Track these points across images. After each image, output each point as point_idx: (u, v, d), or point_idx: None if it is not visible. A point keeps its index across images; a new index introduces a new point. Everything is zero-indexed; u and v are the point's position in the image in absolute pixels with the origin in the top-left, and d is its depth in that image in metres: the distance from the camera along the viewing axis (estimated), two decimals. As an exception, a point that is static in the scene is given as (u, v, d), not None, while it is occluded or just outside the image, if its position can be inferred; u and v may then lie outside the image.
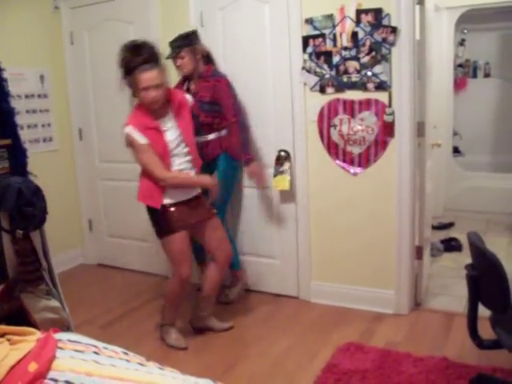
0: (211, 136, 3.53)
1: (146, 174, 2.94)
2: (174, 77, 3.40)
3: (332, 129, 3.43)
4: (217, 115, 3.48)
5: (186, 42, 3.46)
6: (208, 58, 3.57)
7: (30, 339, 1.59)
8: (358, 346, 2.98)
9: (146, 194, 3.00)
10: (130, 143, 2.88)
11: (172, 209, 2.96)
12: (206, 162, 3.41)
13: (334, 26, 3.29)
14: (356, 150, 3.38)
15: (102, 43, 4.29)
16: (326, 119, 3.44)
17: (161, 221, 3.00)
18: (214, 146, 3.53)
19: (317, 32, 3.35)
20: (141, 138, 2.83)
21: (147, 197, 3.00)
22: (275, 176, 3.62)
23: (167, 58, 3.36)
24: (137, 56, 2.82)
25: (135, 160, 2.97)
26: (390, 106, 3.23)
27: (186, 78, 3.56)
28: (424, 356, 2.81)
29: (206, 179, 3.07)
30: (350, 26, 3.25)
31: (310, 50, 3.39)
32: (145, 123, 2.87)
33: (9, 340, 1.58)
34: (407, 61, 3.14)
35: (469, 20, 5.58)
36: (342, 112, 3.38)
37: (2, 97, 3.16)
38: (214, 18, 3.73)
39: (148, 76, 2.79)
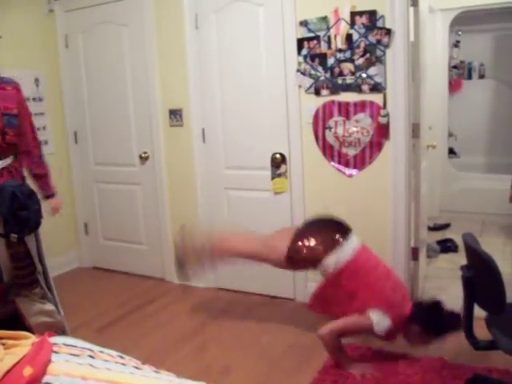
0: (7, 161, 2.87)
1: None
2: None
3: (327, 131, 3.43)
4: (22, 133, 2.92)
5: None
6: None
7: (24, 343, 1.58)
8: (354, 346, 2.98)
9: None
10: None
11: None
12: None
13: (328, 28, 3.30)
14: (351, 152, 3.39)
15: (97, 46, 4.29)
16: (321, 121, 3.44)
17: None
18: (13, 173, 2.87)
19: (311, 34, 3.36)
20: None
21: None
22: (273, 179, 3.63)
23: None
24: None
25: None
26: (384, 107, 3.23)
27: None
28: (420, 356, 2.81)
29: None
30: (344, 28, 3.25)
31: (304, 52, 3.40)
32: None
33: (3, 344, 1.57)
34: (402, 62, 3.15)
35: (463, 21, 5.60)
36: (337, 114, 3.38)
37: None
38: (208, 20, 3.73)
39: None
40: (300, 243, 2.86)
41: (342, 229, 2.89)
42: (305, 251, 2.84)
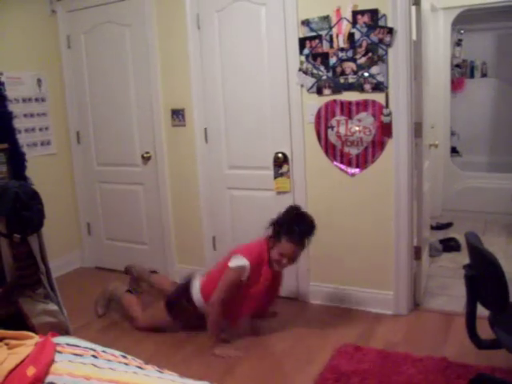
0: None
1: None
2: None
3: (329, 130, 3.43)
4: None
5: None
6: None
7: (28, 343, 1.59)
8: (356, 346, 2.98)
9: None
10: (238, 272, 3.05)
11: None
12: None
13: (330, 28, 3.30)
14: (353, 151, 3.38)
15: (99, 46, 4.29)
16: (323, 120, 3.44)
17: None
18: None
19: (313, 33, 3.35)
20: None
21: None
22: (275, 178, 3.63)
23: None
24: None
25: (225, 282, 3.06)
26: (387, 106, 3.23)
27: None
28: (423, 356, 2.81)
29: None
30: (346, 27, 3.25)
31: (306, 51, 3.39)
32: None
33: (7, 344, 1.57)
34: (404, 61, 3.15)
35: (465, 20, 5.59)
36: (339, 113, 3.38)
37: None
38: (210, 20, 3.73)
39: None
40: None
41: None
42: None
